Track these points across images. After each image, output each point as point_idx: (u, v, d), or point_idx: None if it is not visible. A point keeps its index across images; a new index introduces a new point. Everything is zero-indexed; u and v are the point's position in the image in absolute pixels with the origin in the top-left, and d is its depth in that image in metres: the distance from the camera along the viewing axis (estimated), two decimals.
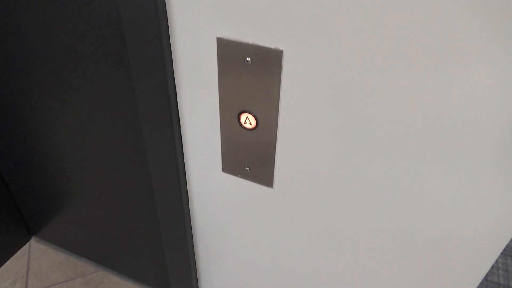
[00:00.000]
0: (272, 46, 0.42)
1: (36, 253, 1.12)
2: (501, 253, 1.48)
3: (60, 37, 0.61)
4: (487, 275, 1.33)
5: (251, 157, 0.53)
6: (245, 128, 0.51)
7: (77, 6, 0.55)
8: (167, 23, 0.47)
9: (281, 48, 0.42)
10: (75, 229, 1.02)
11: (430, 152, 0.41)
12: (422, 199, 0.45)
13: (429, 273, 0.51)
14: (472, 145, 0.38)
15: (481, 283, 1.26)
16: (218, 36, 0.45)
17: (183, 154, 0.59)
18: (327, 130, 0.45)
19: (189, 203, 0.66)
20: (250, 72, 0.45)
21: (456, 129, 0.38)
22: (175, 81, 0.52)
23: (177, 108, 0.54)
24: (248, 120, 0.50)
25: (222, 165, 0.57)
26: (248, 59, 0.45)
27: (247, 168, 0.55)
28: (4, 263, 1.08)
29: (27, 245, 1.15)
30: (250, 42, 0.43)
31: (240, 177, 0.56)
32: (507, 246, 1.55)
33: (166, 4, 0.45)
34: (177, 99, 0.53)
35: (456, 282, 0.50)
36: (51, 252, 1.12)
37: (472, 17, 0.32)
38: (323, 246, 0.58)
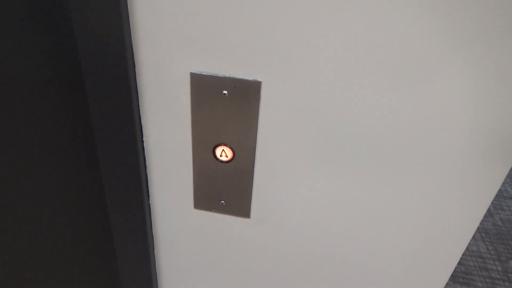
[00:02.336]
0: (251, 78, 0.43)
1: None
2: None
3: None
4: None
5: (227, 190, 0.53)
6: (220, 161, 0.50)
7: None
8: (134, 61, 0.45)
9: (259, 79, 0.43)
10: None
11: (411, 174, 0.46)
12: (391, 220, 0.49)
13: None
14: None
15: None
16: (192, 71, 0.44)
17: (148, 195, 0.56)
18: (305, 156, 0.47)
19: (155, 249, 0.62)
20: (227, 105, 0.46)
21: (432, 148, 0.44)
22: (141, 119, 0.49)
23: (143, 147, 0.51)
24: (224, 153, 0.49)
25: (194, 201, 0.55)
26: (225, 92, 0.45)
27: (222, 201, 0.54)
28: None
29: None
30: (227, 76, 0.44)
31: (215, 211, 0.55)
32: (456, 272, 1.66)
33: (132, 41, 0.44)
34: (143, 138, 0.51)
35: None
36: None
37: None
38: (302, 274, 0.58)
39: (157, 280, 0.66)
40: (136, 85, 0.47)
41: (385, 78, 0.40)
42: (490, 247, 1.88)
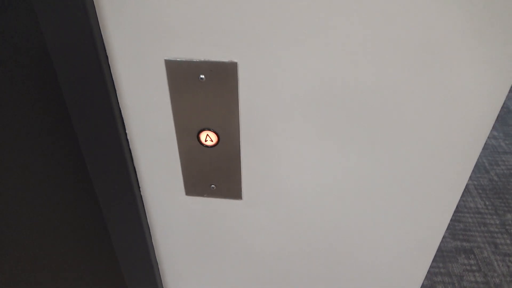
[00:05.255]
0: (226, 60, 0.43)
1: None
2: None
3: None
4: None
5: (216, 174, 0.53)
6: (206, 146, 0.50)
7: None
8: (106, 54, 0.44)
9: (235, 60, 0.43)
10: None
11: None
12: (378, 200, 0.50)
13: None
14: None
15: None
16: (166, 58, 0.44)
17: (139, 187, 0.56)
18: (290, 135, 0.47)
19: (152, 238, 0.63)
20: (206, 89, 0.45)
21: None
22: (122, 112, 0.49)
23: (127, 139, 0.51)
24: (208, 137, 0.49)
25: (185, 188, 0.55)
26: (202, 76, 0.44)
27: (213, 185, 0.54)
28: None
29: None
30: (202, 59, 0.43)
31: (206, 196, 0.55)
32: None
33: (102, 35, 0.43)
34: (126, 131, 0.50)
35: None
36: None
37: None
38: (295, 252, 0.59)
39: (158, 268, 0.67)
40: (112, 79, 0.46)
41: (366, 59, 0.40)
42: (487, 202, 1.91)
